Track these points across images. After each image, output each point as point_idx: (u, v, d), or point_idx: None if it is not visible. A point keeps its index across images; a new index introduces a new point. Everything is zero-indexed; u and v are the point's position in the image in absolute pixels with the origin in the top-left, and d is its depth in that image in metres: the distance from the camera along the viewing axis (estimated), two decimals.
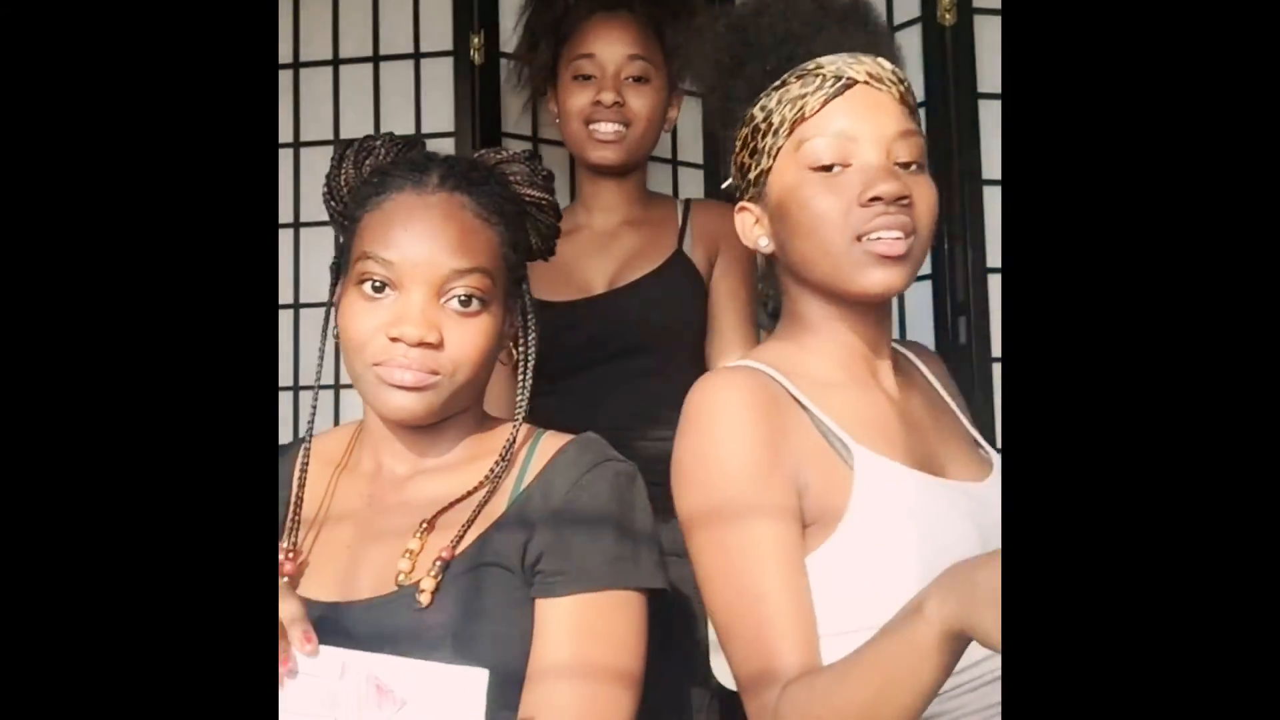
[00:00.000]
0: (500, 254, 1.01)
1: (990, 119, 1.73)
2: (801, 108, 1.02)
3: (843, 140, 1.00)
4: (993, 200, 1.72)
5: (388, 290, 0.97)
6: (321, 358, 1.08)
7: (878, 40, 1.07)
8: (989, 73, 1.74)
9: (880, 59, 1.03)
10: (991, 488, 1.06)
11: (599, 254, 1.61)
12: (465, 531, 0.97)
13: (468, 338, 0.97)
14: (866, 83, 1.01)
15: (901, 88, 1.04)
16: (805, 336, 1.07)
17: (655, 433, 1.51)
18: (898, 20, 1.81)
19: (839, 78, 1.02)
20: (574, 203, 1.69)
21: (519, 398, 1.04)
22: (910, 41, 1.75)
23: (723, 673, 1.30)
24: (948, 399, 1.16)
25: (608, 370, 1.55)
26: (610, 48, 1.58)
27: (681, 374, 1.56)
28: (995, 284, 1.71)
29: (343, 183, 1.06)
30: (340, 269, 1.05)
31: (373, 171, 1.05)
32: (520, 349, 1.06)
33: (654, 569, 0.98)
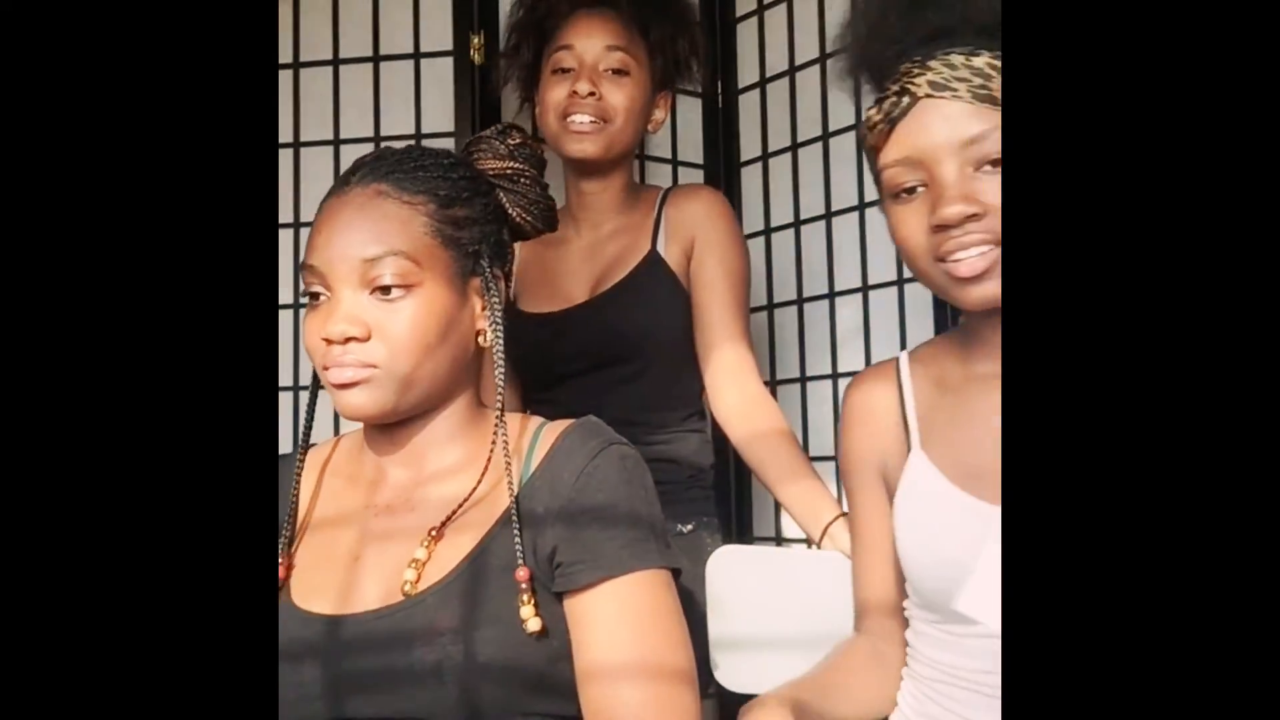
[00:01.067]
0: (430, 232, 0.99)
1: None
2: (876, 137, 1.00)
3: (908, 166, 0.98)
4: None
5: (322, 295, 0.99)
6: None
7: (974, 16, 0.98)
8: None
9: (951, 55, 0.97)
10: None
11: (584, 263, 1.60)
12: (520, 552, 0.95)
13: (395, 324, 0.97)
14: (928, 95, 0.97)
15: (973, 83, 0.96)
16: (960, 332, 1.10)
17: (648, 437, 1.52)
18: None
19: (900, 96, 0.98)
20: (562, 214, 1.68)
21: (496, 379, 1.01)
22: None
23: (723, 670, 1.31)
24: None
25: (596, 378, 1.55)
26: (587, 39, 1.55)
27: (666, 376, 1.57)
28: None
29: None
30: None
31: None
32: (489, 326, 1.03)
33: (671, 549, 0.99)
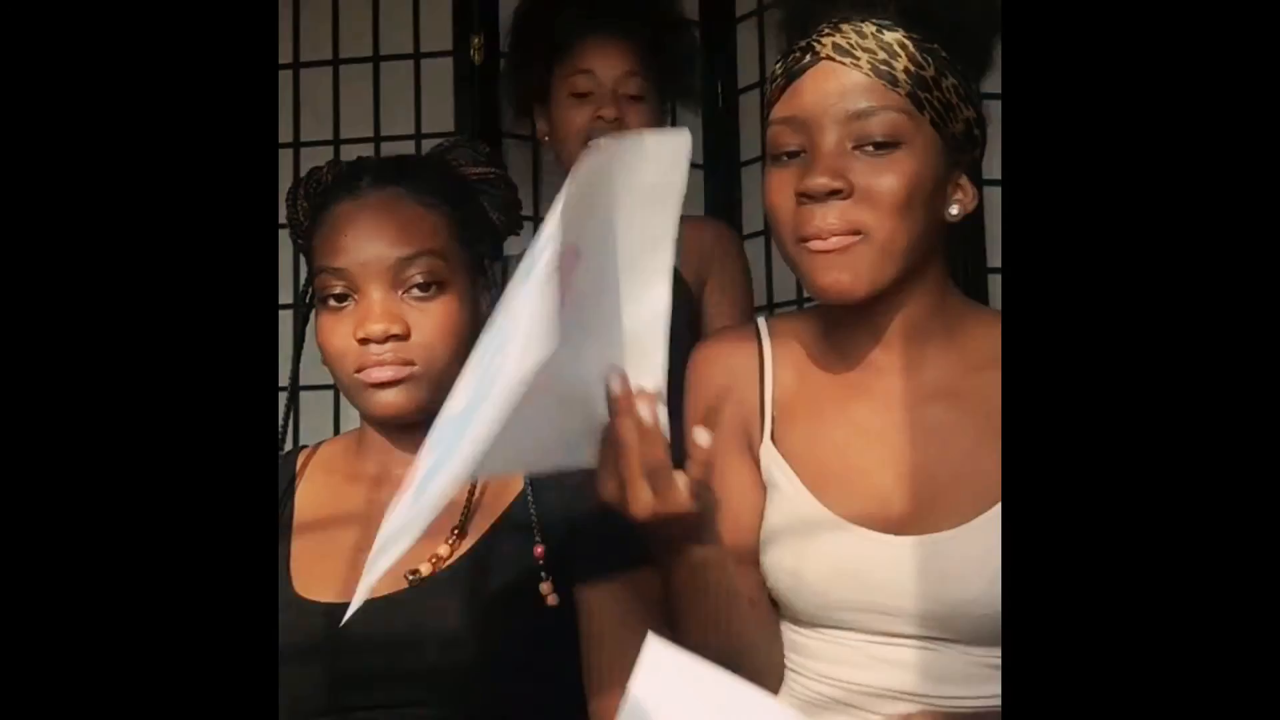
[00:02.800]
0: (451, 233, 1.02)
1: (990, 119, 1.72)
2: (774, 91, 0.97)
3: (792, 128, 0.94)
4: (993, 200, 1.71)
5: (348, 298, 0.99)
6: (296, 365, 1.12)
7: None
8: (990, 73, 1.73)
9: (866, 24, 0.93)
10: (943, 542, 0.93)
11: None
12: (537, 531, 0.98)
13: (433, 321, 0.99)
14: (829, 58, 0.92)
15: (876, 56, 0.91)
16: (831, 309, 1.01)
17: None
18: None
19: (804, 54, 0.94)
20: None
21: None
22: None
23: None
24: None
25: None
26: (608, 64, 1.59)
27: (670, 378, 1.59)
28: (995, 284, 1.70)
29: (301, 217, 1.09)
30: (309, 296, 1.07)
31: (321, 194, 1.06)
32: None
33: None
